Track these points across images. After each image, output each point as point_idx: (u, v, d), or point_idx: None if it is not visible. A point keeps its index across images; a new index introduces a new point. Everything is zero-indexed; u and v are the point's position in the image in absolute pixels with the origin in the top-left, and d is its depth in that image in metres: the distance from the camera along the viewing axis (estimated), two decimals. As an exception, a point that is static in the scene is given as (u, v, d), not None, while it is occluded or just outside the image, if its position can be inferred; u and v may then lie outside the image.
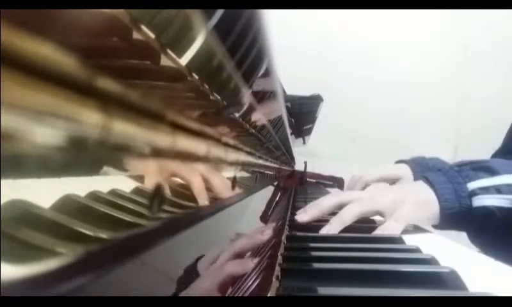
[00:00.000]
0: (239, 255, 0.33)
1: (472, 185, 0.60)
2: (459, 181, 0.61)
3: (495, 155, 0.87)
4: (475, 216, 0.59)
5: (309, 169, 1.53)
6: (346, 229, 0.56)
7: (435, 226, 0.65)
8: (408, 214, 0.58)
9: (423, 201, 0.61)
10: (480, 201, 0.59)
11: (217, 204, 0.32)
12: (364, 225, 0.58)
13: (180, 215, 0.23)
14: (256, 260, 0.32)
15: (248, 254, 0.35)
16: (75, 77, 0.11)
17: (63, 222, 0.12)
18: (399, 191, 0.65)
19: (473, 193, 0.60)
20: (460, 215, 0.60)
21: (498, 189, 0.59)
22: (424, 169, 0.84)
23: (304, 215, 0.60)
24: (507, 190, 0.59)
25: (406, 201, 0.59)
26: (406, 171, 0.86)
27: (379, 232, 0.55)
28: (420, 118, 1.88)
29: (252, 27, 0.22)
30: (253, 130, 0.40)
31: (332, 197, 0.62)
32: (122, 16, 0.12)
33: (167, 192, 0.19)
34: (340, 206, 0.59)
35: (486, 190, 0.59)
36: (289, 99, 1.13)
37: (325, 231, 0.55)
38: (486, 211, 0.59)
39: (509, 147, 0.85)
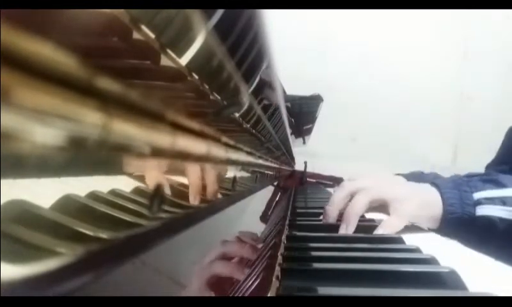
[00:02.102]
0: (228, 258, 0.33)
1: (478, 195, 0.61)
2: (466, 190, 0.61)
3: (488, 167, 0.88)
4: (476, 225, 0.60)
5: (309, 169, 1.53)
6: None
7: (433, 230, 0.66)
8: (410, 211, 0.59)
9: (427, 201, 0.61)
10: (484, 210, 0.60)
11: (217, 204, 0.32)
12: (364, 224, 0.58)
13: (180, 215, 0.23)
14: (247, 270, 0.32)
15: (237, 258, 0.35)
16: (75, 77, 0.11)
17: (63, 222, 0.12)
18: (407, 187, 0.66)
19: (478, 202, 0.60)
20: (462, 222, 0.60)
21: (503, 201, 0.59)
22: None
23: (324, 218, 0.61)
24: None
25: (411, 198, 0.60)
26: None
27: (380, 230, 0.55)
28: (420, 117, 1.88)
29: (252, 27, 0.22)
30: (253, 130, 0.40)
31: (340, 192, 0.62)
32: (122, 16, 0.12)
33: (167, 192, 0.19)
34: (351, 196, 0.59)
35: (491, 200, 0.60)
36: (289, 99, 1.13)
37: (343, 230, 0.55)
38: (488, 221, 0.59)
39: (503, 158, 0.85)
